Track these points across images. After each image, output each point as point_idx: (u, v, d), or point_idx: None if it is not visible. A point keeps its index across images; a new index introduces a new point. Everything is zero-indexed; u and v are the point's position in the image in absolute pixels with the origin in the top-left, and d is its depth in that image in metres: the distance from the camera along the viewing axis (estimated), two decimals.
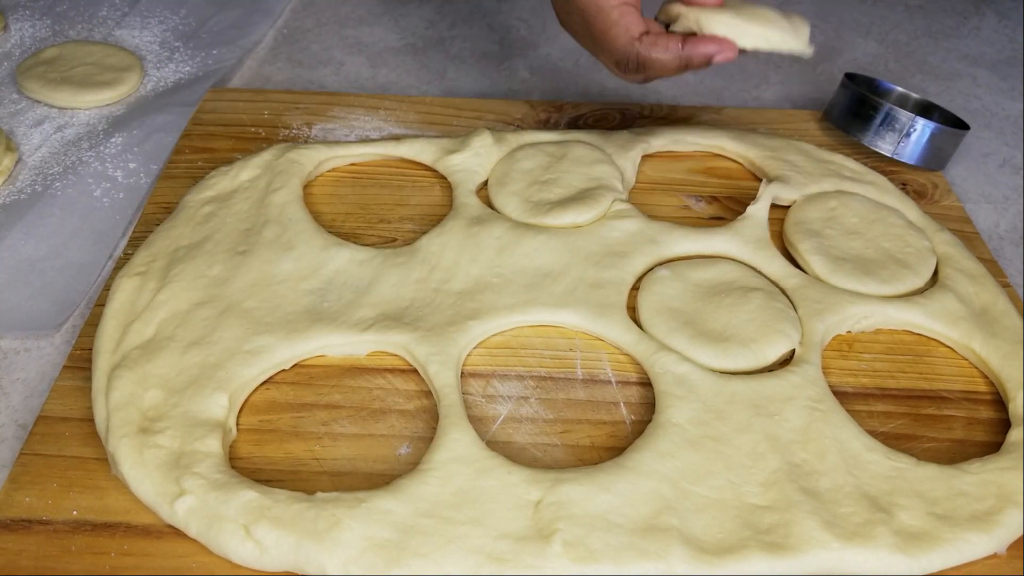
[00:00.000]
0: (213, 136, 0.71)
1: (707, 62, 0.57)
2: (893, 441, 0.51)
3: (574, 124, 0.74)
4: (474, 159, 0.66)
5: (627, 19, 0.56)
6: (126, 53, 0.79)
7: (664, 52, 0.56)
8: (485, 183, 0.66)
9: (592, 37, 0.58)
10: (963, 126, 0.71)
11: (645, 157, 0.69)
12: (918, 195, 0.68)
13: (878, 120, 0.68)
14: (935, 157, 0.69)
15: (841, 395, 0.53)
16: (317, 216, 0.63)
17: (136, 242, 0.61)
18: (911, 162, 0.68)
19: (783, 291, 0.58)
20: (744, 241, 0.61)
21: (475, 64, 0.85)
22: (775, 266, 0.59)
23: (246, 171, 0.64)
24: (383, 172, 0.68)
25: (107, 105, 0.75)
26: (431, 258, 0.59)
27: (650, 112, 0.75)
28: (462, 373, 0.53)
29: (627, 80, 0.60)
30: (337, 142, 0.68)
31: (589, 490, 0.46)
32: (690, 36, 0.57)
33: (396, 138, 0.70)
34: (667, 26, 0.59)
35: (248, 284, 0.56)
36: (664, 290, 0.57)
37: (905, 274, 0.59)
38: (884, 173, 0.68)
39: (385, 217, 0.64)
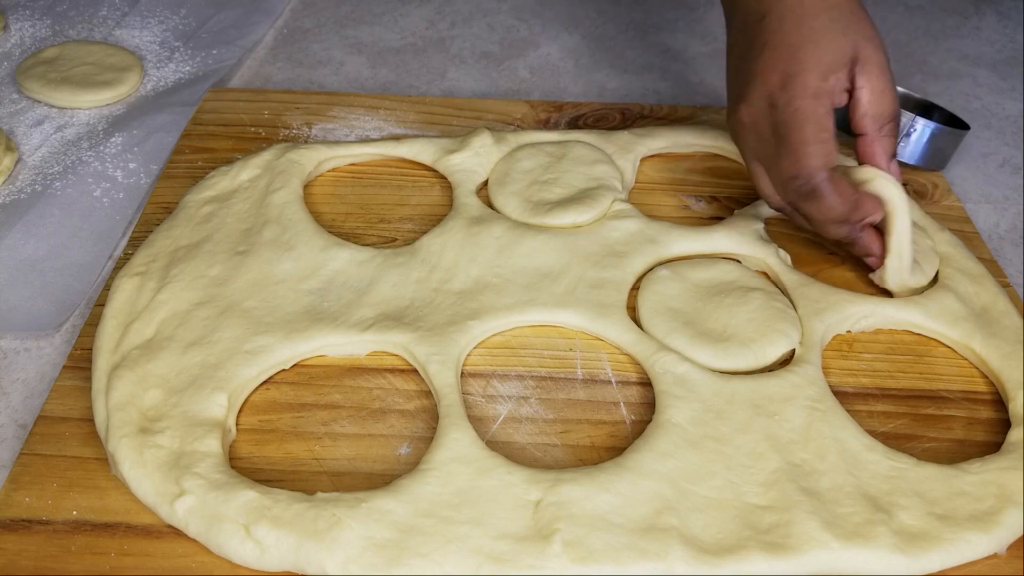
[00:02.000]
0: (213, 136, 0.71)
1: (861, 223, 0.56)
2: (893, 441, 0.51)
3: (574, 124, 0.74)
4: (474, 159, 0.66)
5: (831, 146, 0.54)
6: (126, 53, 0.79)
7: (839, 195, 0.54)
8: (485, 183, 0.66)
9: (780, 141, 0.54)
10: (963, 126, 0.71)
11: (645, 157, 0.69)
12: (918, 195, 0.68)
13: None
14: (935, 157, 0.69)
15: (841, 395, 0.53)
16: (317, 216, 0.63)
17: (136, 242, 0.61)
18: (911, 162, 0.68)
19: (783, 290, 0.58)
20: (743, 240, 0.61)
21: (475, 64, 0.85)
22: (774, 264, 0.59)
23: (246, 171, 0.64)
24: (383, 172, 0.68)
25: (107, 105, 0.75)
26: (431, 258, 0.59)
27: (650, 112, 0.75)
28: (462, 373, 0.53)
29: (772, 204, 0.58)
30: (337, 142, 0.68)
31: (589, 490, 0.46)
32: (870, 202, 0.55)
33: (396, 138, 0.70)
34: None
35: (248, 284, 0.56)
36: (664, 290, 0.57)
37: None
38: None
39: (385, 217, 0.64)
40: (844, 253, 0.61)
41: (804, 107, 0.53)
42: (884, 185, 0.56)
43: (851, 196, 0.54)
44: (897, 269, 0.57)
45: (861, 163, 0.57)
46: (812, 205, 0.55)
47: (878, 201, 0.55)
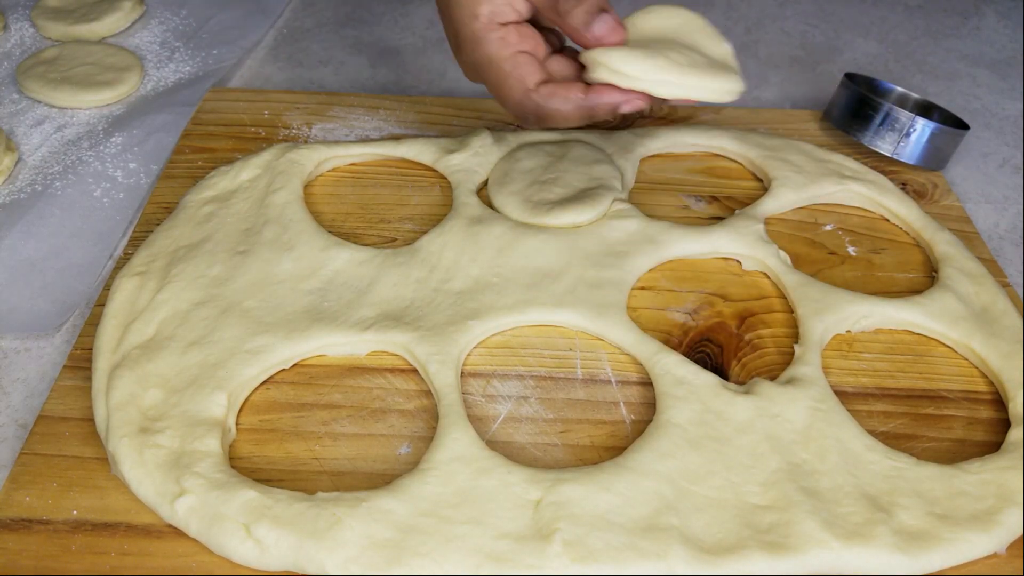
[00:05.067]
0: (213, 136, 0.71)
1: (613, 112, 0.52)
2: (893, 441, 0.51)
3: None
4: (474, 159, 0.66)
5: (521, 69, 0.52)
6: (126, 53, 0.79)
7: (564, 103, 0.51)
8: (485, 183, 0.66)
9: (489, 86, 0.54)
10: (963, 126, 0.71)
11: (645, 157, 0.69)
12: (918, 195, 0.68)
13: (878, 120, 0.68)
14: (935, 157, 0.69)
15: (841, 395, 0.53)
16: (317, 216, 0.63)
17: (136, 242, 0.61)
18: (911, 162, 0.68)
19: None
20: (744, 240, 0.61)
21: None
22: (773, 263, 0.59)
23: (246, 171, 0.64)
24: (383, 172, 0.68)
25: (107, 105, 0.76)
26: (431, 258, 0.59)
27: (650, 112, 0.75)
28: (462, 373, 0.53)
29: (529, 127, 0.56)
30: (337, 142, 0.69)
31: (589, 490, 0.46)
32: (597, 86, 0.52)
33: (396, 138, 0.70)
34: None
35: (248, 284, 0.56)
36: None
37: None
38: (884, 173, 0.68)
39: (385, 217, 0.64)
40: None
41: (484, 46, 0.52)
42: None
43: (577, 99, 0.51)
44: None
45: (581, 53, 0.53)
46: (550, 123, 0.53)
47: (611, 88, 0.51)
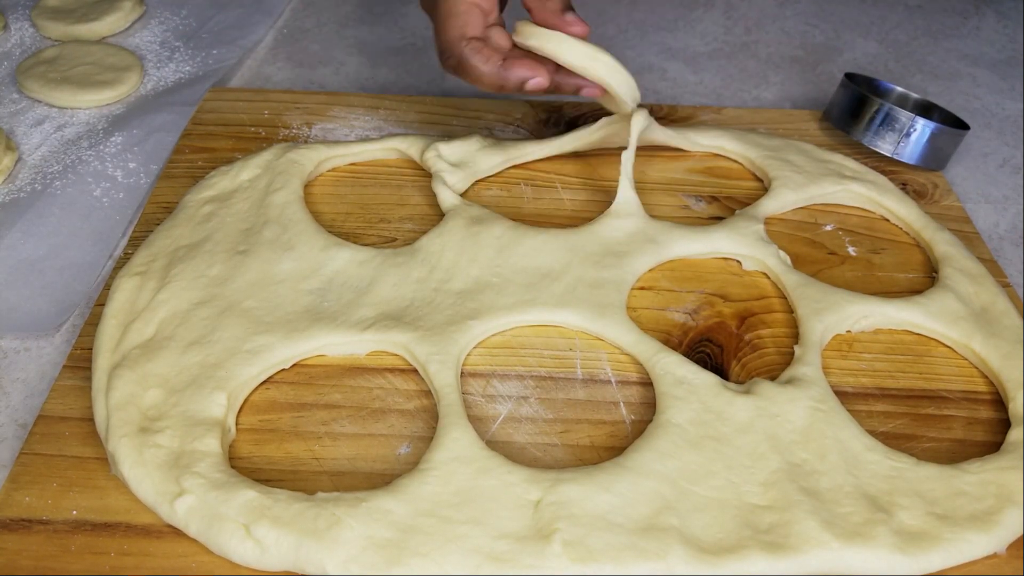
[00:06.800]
0: (213, 136, 0.71)
1: (520, 87, 0.57)
2: (893, 441, 0.51)
3: (574, 124, 0.74)
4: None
5: (468, 16, 0.56)
6: (126, 53, 0.79)
7: (483, 63, 0.56)
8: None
9: (435, 18, 0.58)
10: (963, 126, 0.71)
11: (645, 157, 0.69)
12: (918, 195, 0.68)
13: (878, 120, 0.68)
14: (935, 157, 0.69)
15: (841, 395, 0.53)
16: (317, 216, 0.63)
17: (136, 242, 0.61)
18: (911, 162, 0.68)
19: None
20: (743, 240, 0.61)
21: None
22: (773, 263, 0.59)
23: (246, 171, 0.64)
24: (383, 172, 0.68)
25: (107, 105, 0.76)
26: (431, 258, 0.59)
27: (650, 112, 0.75)
28: (462, 373, 0.53)
29: (446, 71, 0.59)
30: (337, 142, 0.68)
31: (589, 490, 0.46)
32: (513, 60, 0.57)
33: (396, 138, 0.70)
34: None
35: (248, 284, 0.56)
36: None
37: None
38: (884, 173, 0.68)
39: (385, 217, 0.64)
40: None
41: None
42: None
43: (495, 63, 0.56)
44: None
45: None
46: (466, 76, 0.57)
47: (531, 62, 0.57)
